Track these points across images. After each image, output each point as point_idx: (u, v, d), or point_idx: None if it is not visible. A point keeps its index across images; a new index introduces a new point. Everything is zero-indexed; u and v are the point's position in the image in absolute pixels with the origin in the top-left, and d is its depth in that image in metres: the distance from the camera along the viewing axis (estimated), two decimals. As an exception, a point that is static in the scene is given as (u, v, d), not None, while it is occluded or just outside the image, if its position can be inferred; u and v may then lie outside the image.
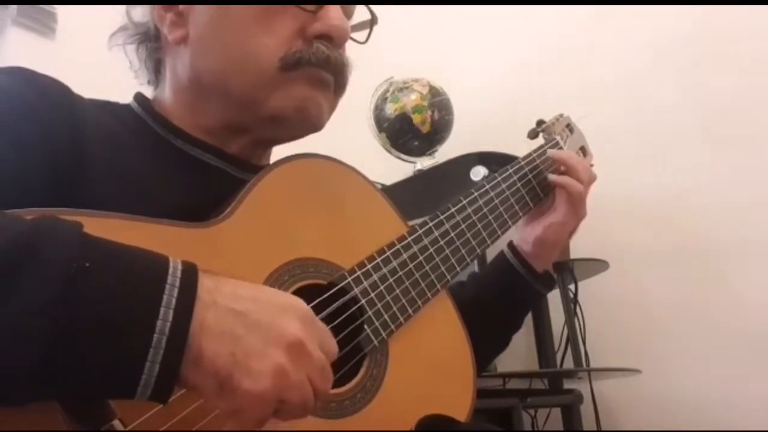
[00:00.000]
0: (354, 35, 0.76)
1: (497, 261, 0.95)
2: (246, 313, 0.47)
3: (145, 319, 0.43)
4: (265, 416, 0.48)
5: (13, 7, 1.51)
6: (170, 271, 0.45)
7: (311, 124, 0.72)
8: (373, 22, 0.79)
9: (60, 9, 1.59)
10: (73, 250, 0.43)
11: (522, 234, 0.94)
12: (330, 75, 0.71)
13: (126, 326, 0.42)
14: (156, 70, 0.76)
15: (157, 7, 0.72)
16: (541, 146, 0.97)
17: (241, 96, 0.69)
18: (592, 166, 1.06)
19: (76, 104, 0.63)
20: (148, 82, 0.78)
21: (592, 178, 0.97)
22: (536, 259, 0.93)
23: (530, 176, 0.92)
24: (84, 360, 0.42)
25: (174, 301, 0.44)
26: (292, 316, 0.50)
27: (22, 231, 0.43)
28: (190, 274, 0.46)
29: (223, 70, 0.69)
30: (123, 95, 0.75)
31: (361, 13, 0.79)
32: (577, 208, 0.93)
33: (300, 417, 0.50)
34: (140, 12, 0.74)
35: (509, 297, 0.93)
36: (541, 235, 0.92)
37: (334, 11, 0.71)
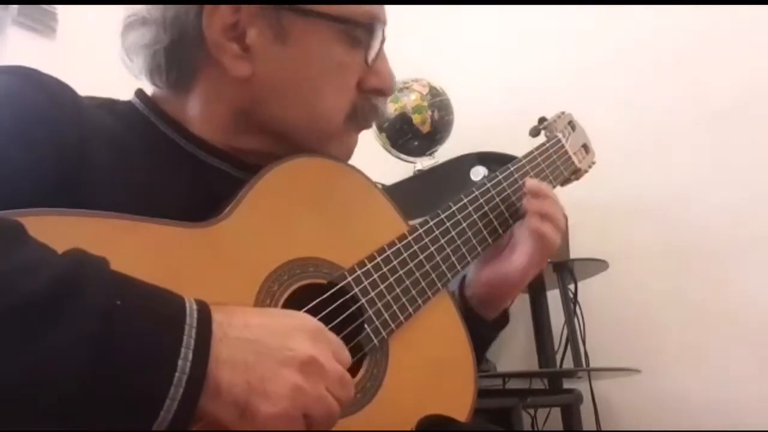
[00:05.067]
0: None
1: None
2: (256, 340, 0.49)
3: (168, 358, 0.44)
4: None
5: (14, 7, 1.51)
6: (187, 311, 0.47)
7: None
8: (383, 40, 0.77)
9: (60, 9, 1.59)
10: (108, 288, 0.45)
11: (477, 274, 0.85)
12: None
13: (151, 365, 0.44)
14: (181, 77, 0.70)
15: (215, 29, 0.66)
16: (543, 144, 0.97)
17: (301, 143, 0.71)
18: (594, 163, 1.06)
19: (80, 105, 0.63)
20: (153, 81, 0.71)
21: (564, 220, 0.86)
22: (486, 305, 0.84)
23: (531, 174, 0.91)
24: (112, 395, 0.43)
25: (192, 341, 0.46)
26: (302, 336, 0.51)
27: (61, 267, 0.44)
28: (204, 315, 0.48)
29: (290, 118, 0.70)
30: (123, 95, 0.74)
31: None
32: (545, 259, 0.83)
33: (329, 428, 0.52)
34: (164, 8, 0.67)
35: None
36: (499, 282, 0.83)
37: (384, 64, 0.74)
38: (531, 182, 0.86)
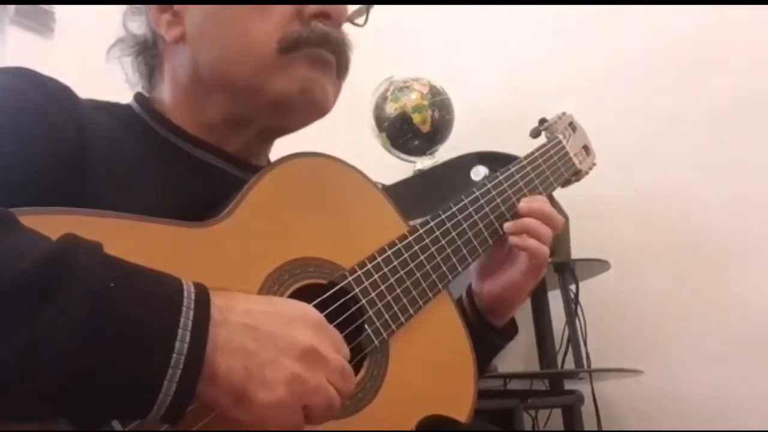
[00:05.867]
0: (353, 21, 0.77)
1: None
2: (257, 326, 0.49)
3: (165, 340, 0.44)
4: (294, 425, 0.49)
5: (12, 6, 1.51)
6: (185, 293, 0.47)
7: (317, 106, 0.71)
8: (369, 3, 0.78)
9: (58, 8, 1.59)
10: (100, 271, 0.44)
11: (479, 286, 0.86)
12: (331, 54, 0.70)
13: (148, 347, 0.44)
14: (150, 75, 0.76)
15: (152, 9, 0.72)
16: (543, 145, 0.97)
17: (242, 84, 0.69)
18: (594, 164, 1.06)
19: (79, 106, 0.63)
20: (142, 89, 0.77)
21: (556, 227, 0.85)
22: (493, 315, 0.86)
23: (532, 175, 0.91)
24: (107, 380, 0.42)
25: (190, 323, 0.45)
26: (303, 325, 0.51)
27: (51, 251, 0.44)
28: (202, 296, 0.47)
29: (222, 59, 0.69)
30: (121, 95, 0.75)
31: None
32: (540, 271, 0.84)
33: (330, 419, 0.52)
34: (137, 24, 0.75)
35: None
36: (499, 294, 0.84)
37: None
38: (521, 206, 0.85)
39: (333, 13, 0.70)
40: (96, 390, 0.42)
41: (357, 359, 0.66)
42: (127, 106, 0.74)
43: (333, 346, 0.52)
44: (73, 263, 0.43)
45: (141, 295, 0.45)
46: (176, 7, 0.71)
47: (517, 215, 0.85)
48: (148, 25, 0.74)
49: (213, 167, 0.71)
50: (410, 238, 0.74)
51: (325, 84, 0.70)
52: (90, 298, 0.42)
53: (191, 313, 0.46)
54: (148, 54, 0.75)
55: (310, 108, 0.71)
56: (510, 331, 0.89)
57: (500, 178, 0.87)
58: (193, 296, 0.47)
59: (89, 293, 0.42)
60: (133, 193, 0.62)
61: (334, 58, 0.71)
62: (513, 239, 0.83)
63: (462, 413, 0.72)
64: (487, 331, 0.85)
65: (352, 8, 0.77)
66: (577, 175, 1.02)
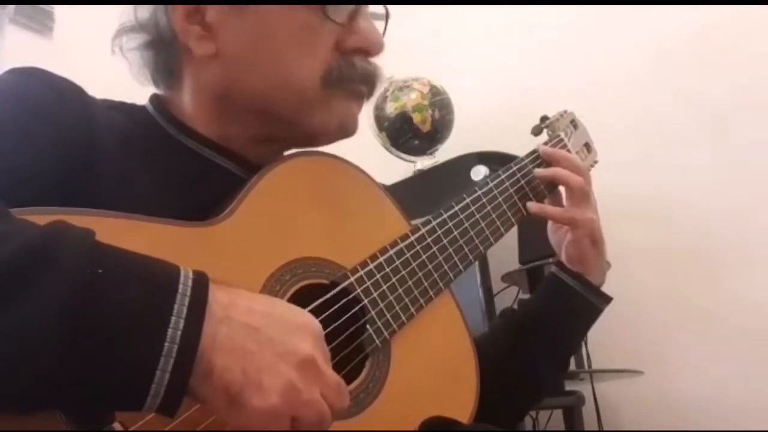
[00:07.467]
0: None
1: (545, 280, 0.92)
2: (259, 328, 0.48)
3: (156, 327, 0.43)
4: None
5: (11, 6, 1.51)
6: (181, 279, 0.45)
7: (349, 135, 0.74)
8: (387, 17, 0.77)
9: (57, 8, 1.59)
10: (86, 257, 0.43)
11: (560, 255, 0.91)
12: (365, 87, 0.72)
13: (138, 335, 0.42)
14: (169, 75, 0.72)
15: (177, 14, 0.67)
16: (545, 143, 0.96)
17: (283, 115, 0.69)
18: (596, 162, 1.06)
19: (90, 106, 0.63)
20: (155, 84, 0.74)
21: (584, 175, 0.89)
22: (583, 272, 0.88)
23: (532, 175, 0.91)
24: (95, 370, 0.41)
25: (185, 310, 0.44)
26: (305, 334, 0.50)
27: (34, 237, 0.43)
28: (200, 284, 0.46)
29: (263, 90, 0.68)
30: (121, 95, 0.74)
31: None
32: (579, 225, 0.86)
33: None
34: (148, 14, 0.69)
35: (559, 310, 0.88)
36: (568, 256, 0.88)
37: (366, 23, 0.71)
38: (542, 149, 0.91)
39: (372, 50, 0.71)
40: (84, 381, 0.41)
41: (358, 359, 0.66)
42: (142, 107, 0.73)
43: (327, 362, 0.51)
44: (55, 252, 0.42)
45: (132, 282, 0.44)
46: (208, 19, 0.66)
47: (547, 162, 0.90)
48: (166, 24, 0.68)
49: (225, 170, 0.70)
50: (412, 238, 0.74)
51: (357, 113, 0.73)
52: (70, 286, 0.41)
53: (186, 300, 0.44)
54: (163, 51, 0.70)
55: (343, 137, 0.73)
56: (604, 294, 0.90)
57: (503, 176, 0.87)
58: (190, 283, 0.45)
59: (70, 282, 0.41)
60: (141, 193, 0.62)
61: (367, 90, 0.73)
62: (533, 207, 0.87)
63: (464, 414, 0.72)
64: (582, 288, 0.87)
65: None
66: (578, 173, 1.02)
